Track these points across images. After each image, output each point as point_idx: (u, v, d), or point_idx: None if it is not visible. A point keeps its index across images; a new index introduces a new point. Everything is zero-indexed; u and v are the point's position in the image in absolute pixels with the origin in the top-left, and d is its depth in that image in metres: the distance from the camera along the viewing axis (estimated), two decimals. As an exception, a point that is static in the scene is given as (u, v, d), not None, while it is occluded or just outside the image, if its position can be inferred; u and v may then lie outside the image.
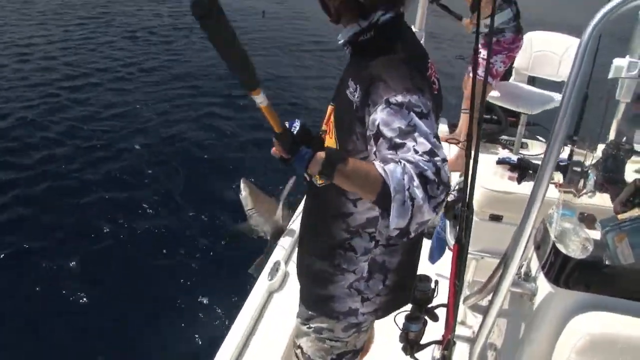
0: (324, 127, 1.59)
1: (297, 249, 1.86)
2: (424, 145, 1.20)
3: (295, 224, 3.05)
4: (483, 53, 3.28)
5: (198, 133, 6.77)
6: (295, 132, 1.24)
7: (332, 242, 1.58)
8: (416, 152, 1.19)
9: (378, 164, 1.20)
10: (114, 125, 6.76)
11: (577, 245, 1.54)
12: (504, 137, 4.41)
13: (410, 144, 1.20)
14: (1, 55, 9.19)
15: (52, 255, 4.27)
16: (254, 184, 4.94)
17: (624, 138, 2.51)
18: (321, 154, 1.22)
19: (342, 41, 1.49)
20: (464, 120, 4.24)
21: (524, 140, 4.25)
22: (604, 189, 2.32)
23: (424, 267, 3.33)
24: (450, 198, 3.15)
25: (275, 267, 2.57)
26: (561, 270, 1.53)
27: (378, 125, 1.24)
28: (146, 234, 4.69)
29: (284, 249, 2.78)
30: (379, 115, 1.25)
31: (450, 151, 4.17)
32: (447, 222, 3.16)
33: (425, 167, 1.17)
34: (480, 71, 3.49)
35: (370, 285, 1.60)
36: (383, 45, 1.38)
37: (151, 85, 8.25)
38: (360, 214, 1.52)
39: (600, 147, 2.41)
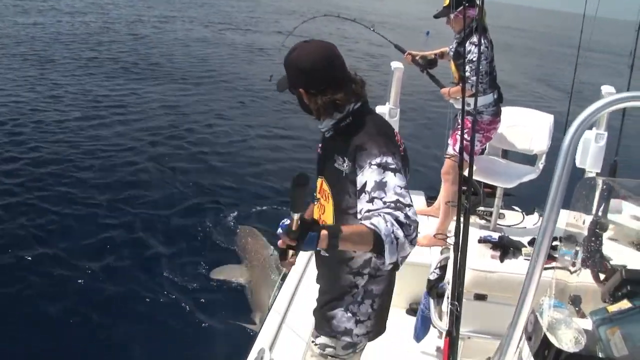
0: (317, 196, 2.04)
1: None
2: (392, 197, 1.62)
3: (278, 303, 2.97)
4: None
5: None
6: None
7: (341, 285, 2.02)
8: (385, 203, 1.60)
9: (366, 222, 1.57)
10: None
11: (569, 337, 1.52)
12: (481, 208, 4.45)
13: (382, 195, 1.63)
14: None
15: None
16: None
17: (599, 211, 2.53)
18: (324, 232, 1.53)
19: (325, 129, 1.97)
20: (444, 211, 4.13)
21: (501, 211, 4.29)
22: (586, 265, 2.32)
23: (410, 346, 3.27)
24: (432, 277, 3.15)
25: (260, 356, 2.47)
26: (555, 363, 1.50)
27: (363, 184, 1.69)
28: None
29: (269, 335, 2.68)
30: (364, 176, 1.70)
31: (430, 224, 4.18)
32: (431, 301, 3.13)
33: (397, 214, 1.57)
34: (457, 147, 3.56)
35: (362, 309, 2.02)
36: (360, 125, 1.86)
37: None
38: (359, 257, 1.97)
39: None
